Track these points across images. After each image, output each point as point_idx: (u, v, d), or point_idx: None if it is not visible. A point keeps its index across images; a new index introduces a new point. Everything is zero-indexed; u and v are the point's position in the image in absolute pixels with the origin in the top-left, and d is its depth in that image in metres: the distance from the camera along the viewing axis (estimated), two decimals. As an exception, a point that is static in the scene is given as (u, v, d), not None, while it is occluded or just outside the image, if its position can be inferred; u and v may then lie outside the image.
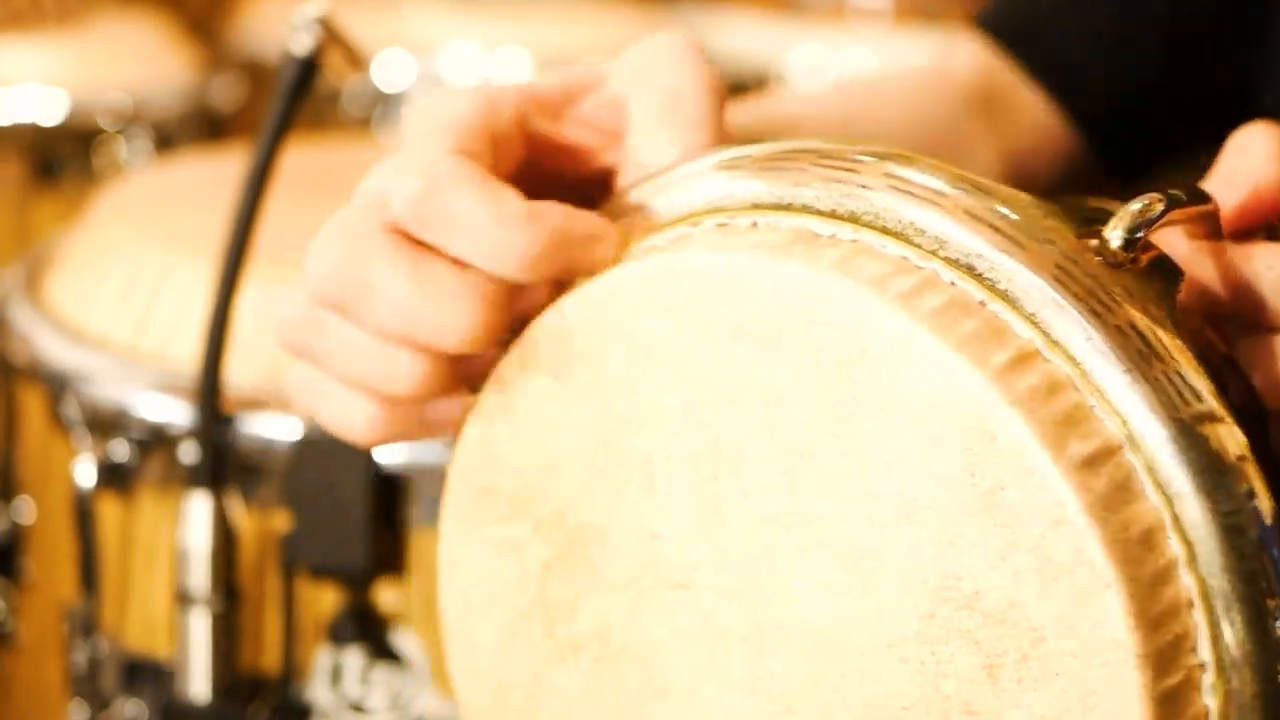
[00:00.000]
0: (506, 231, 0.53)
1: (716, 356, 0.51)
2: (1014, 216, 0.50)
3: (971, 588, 0.48)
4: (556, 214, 0.54)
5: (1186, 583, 0.47)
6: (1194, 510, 0.47)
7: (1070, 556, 0.47)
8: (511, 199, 0.53)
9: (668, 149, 0.56)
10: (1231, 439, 0.48)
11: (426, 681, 0.83)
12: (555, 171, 0.58)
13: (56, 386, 0.89)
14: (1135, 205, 0.50)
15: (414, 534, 0.82)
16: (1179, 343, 0.48)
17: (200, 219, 0.92)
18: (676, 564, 0.53)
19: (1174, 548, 0.47)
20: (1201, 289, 0.52)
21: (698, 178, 0.55)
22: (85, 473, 0.85)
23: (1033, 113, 0.90)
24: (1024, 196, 0.50)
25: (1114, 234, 0.50)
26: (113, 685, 0.87)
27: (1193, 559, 0.47)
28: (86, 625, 0.87)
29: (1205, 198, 0.51)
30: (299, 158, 0.99)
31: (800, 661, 0.51)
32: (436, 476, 0.81)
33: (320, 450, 0.81)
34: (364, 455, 0.80)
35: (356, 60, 0.83)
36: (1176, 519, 0.47)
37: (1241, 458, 0.48)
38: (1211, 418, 0.48)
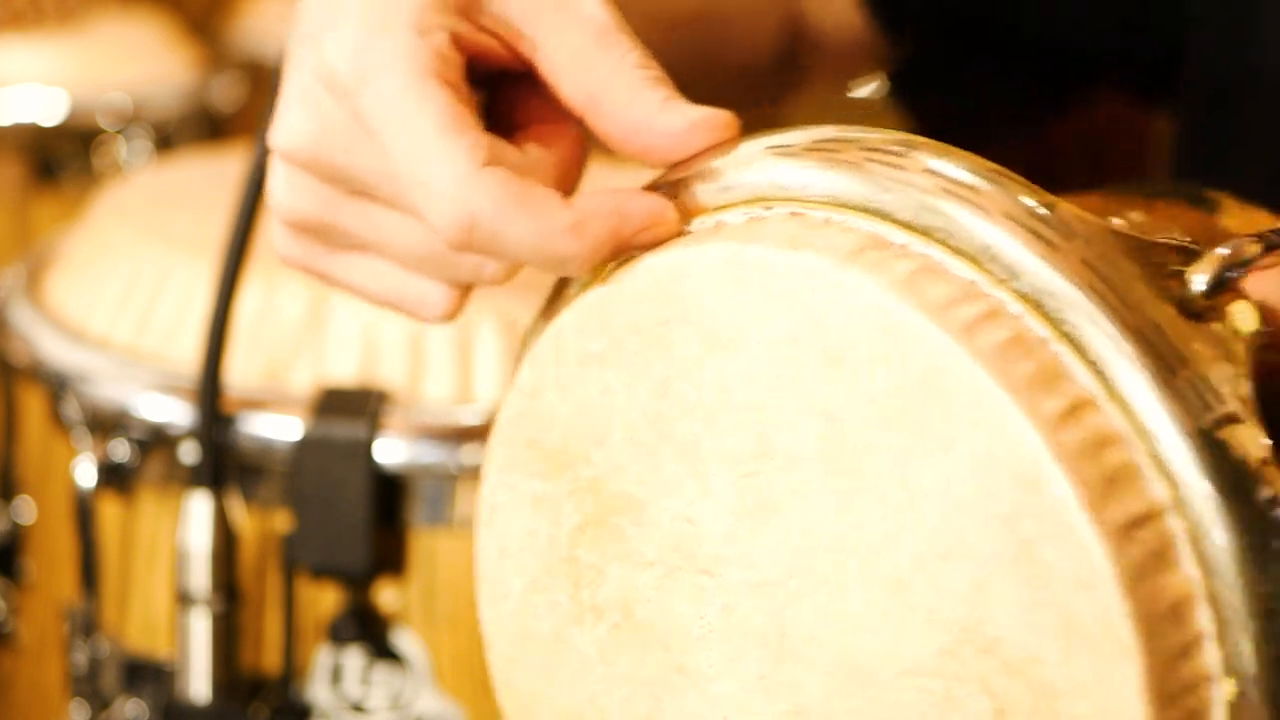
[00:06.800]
0: (556, 247, 0.53)
1: (784, 360, 0.50)
2: (1092, 253, 0.48)
3: (993, 634, 0.47)
4: (605, 214, 0.53)
5: (1211, 658, 0.46)
6: (1230, 585, 0.45)
7: (1095, 622, 0.45)
8: (556, 210, 0.53)
9: (612, 75, 0.55)
10: None
11: (426, 681, 0.83)
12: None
13: (57, 386, 0.89)
14: (1223, 249, 0.47)
15: (414, 534, 0.82)
16: (1250, 404, 0.46)
17: (200, 219, 0.92)
18: (707, 552, 0.53)
19: (1202, 621, 0.46)
20: None
21: (762, 159, 0.53)
22: (85, 473, 0.85)
23: (846, 11, 0.91)
24: (1101, 225, 0.48)
25: (1197, 278, 0.47)
26: (113, 685, 0.87)
27: (1223, 635, 0.46)
28: (86, 625, 0.87)
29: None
30: (299, 158, 0.99)
31: (818, 673, 0.51)
32: (436, 476, 0.82)
33: (320, 450, 0.81)
34: (364, 455, 0.81)
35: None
36: (1212, 593, 0.46)
37: None
38: (1274, 502, 0.46)
